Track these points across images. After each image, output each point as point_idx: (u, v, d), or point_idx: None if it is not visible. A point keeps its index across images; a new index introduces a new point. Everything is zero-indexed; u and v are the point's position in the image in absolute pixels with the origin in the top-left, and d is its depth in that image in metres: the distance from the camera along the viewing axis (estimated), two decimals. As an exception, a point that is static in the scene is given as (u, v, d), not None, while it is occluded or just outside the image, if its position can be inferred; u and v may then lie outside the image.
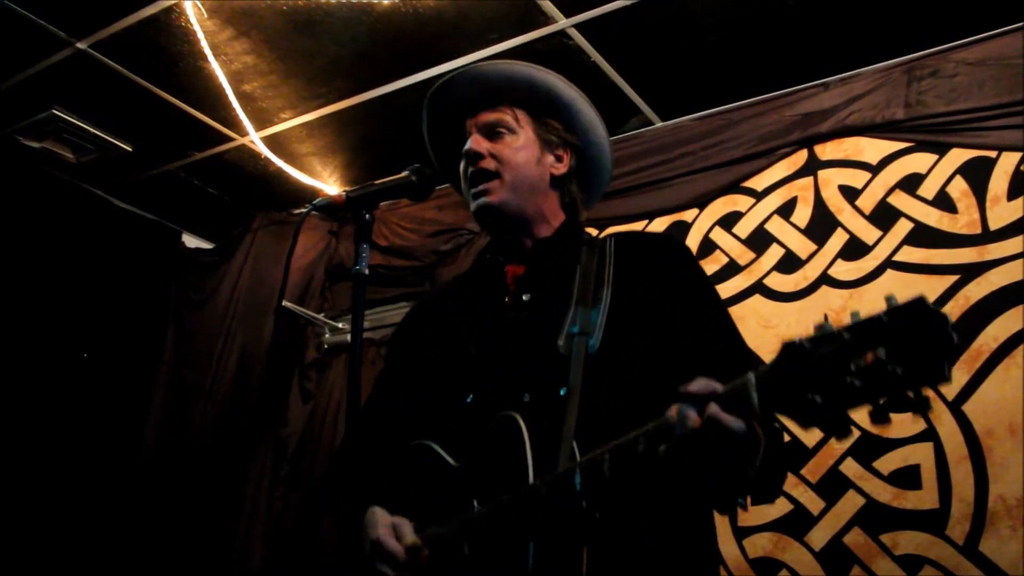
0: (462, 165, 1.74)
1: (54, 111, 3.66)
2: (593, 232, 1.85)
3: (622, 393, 1.50)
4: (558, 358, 1.51)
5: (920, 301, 0.99)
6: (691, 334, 1.54)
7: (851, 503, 2.62)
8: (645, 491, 1.38)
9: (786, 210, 3.08)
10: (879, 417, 1.01)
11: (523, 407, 1.48)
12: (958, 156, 2.79)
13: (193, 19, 3.10)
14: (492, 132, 1.72)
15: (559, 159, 1.77)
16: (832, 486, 2.66)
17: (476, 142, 1.70)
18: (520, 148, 1.71)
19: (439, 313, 1.80)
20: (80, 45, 3.27)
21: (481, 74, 1.77)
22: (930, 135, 2.84)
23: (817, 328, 1.07)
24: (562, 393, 1.47)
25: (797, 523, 2.69)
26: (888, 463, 2.60)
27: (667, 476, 1.28)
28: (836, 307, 2.84)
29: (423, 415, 1.68)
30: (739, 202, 3.20)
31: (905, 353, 0.97)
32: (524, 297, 1.66)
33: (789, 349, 1.09)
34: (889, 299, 1.01)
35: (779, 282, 2.99)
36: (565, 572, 1.31)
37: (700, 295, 1.63)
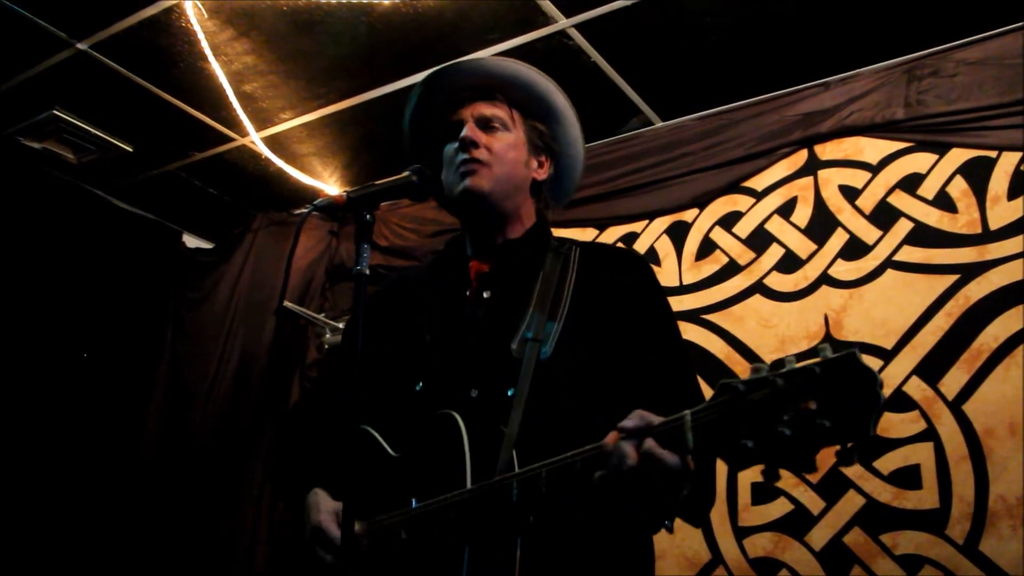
0: (451, 150, 1.75)
1: (55, 112, 3.66)
2: (561, 233, 1.88)
3: (567, 402, 1.53)
4: (509, 360, 1.54)
5: (852, 356, 1.01)
6: (641, 353, 1.59)
7: (851, 503, 2.62)
8: (579, 506, 1.42)
9: (786, 210, 3.08)
10: (805, 467, 1.04)
11: (470, 402, 1.52)
12: (958, 156, 2.79)
13: (193, 19, 3.10)
14: (488, 125, 1.74)
15: (540, 165, 1.81)
16: (832, 486, 2.66)
17: (473, 131, 1.71)
18: (512, 146, 1.74)
19: (400, 299, 1.82)
20: (81, 46, 3.28)
21: (484, 67, 1.81)
22: (930, 135, 2.84)
23: (754, 370, 1.10)
24: (510, 394, 1.50)
25: (797, 523, 2.69)
26: (888, 463, 2.60)
27: (600, 499, 1.31)
28: (836, 307, 2.84)
29: (372, 398, 1.70)
30: (739, 202, 3.20)
31: (834, 408, 1.00)
32: (485, 294, 1.68)
33: (725, 388, 1.12)
34: (822, 351, 1.03)
35: (779, 282, 2.99)
36: (499, 570, 1.33)
37: (656, 315, 1.67)
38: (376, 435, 1.65)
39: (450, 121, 1.77)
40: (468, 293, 1.71)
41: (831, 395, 1.00)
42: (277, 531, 3.81)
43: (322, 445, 1.77)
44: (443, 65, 1.82)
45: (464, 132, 1.71)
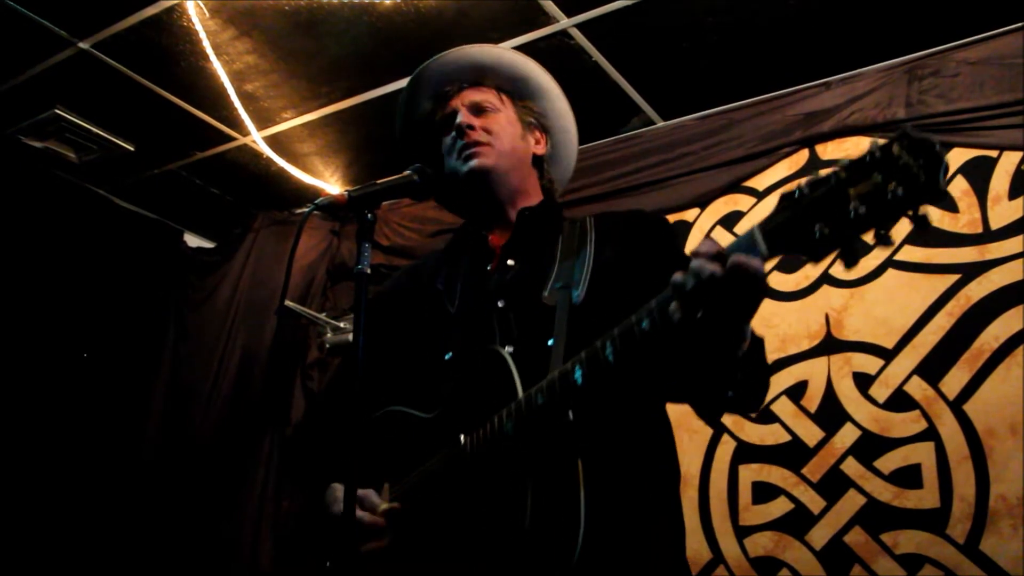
0: (448, 139, 1.78)
1: (56, 111, 3.66)
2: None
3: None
4: (543, 309, 1.55)
5: (903, 133, 1.03)
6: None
7: (852, 502, 2.62)
8: (640, 385, 1.42)
9: (787, 209, 3.07)
10: (883, 240, 1.04)
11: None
12: (959, 155, 2.79)
13: (195, 19, 3.10)
14: (479, 109, 1.78)
15: (537, 141, 1.86)
16: (833, 485, 2.66)
17: (467, 117, 1.75)
18: (507, 123, 1.79)
19: (419, 284, 1.82)
20: (82, 45, 3.28)
21: (464, 58, 1.84)
22: (931, 134, 2.83)
23: (810, 176, 1.10)
24: (549, 344, 1.50)
25: (798, 522, 2.69)
26: (889, 462, 2.60)
27: (669, 352, 1.29)
28: (837, 306, 2.84)
29: (394, 382, 1.71)
30: (740, 201, 3.20)
31: (900, 176, 1.01)
32: (509, 262, 1.70)
33: (787, 198, 1.12)
34: (874, 141, 1.05)
35: (780, 281, 2.99)
36: (563, 493, 1.31)
37: (676, 256, 1.66)
38: (404, 409, 1.65)
39: (442, 116, 1.80)
40: (491, 266, 1.72)
41: (894, 168, 1.01)
42: (279, 530, 3.82)
43: (333, 441, 1.75)
44: (422, 65, 1.85)
45: (459, 119, 1.74)
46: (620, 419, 1.48)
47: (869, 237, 1.05)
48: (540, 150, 1.85)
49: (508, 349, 1.53)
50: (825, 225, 1.06)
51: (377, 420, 1.69)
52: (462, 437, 1.46)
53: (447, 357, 1.62)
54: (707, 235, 3.22)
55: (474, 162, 1.71)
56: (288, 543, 3.76)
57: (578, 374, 1.31)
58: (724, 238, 3.15)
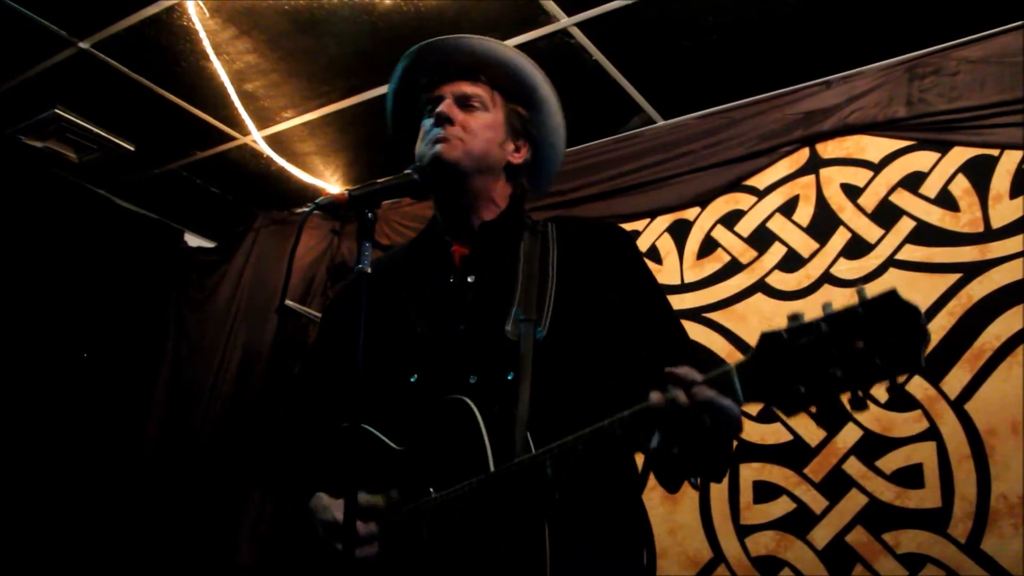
0: (427, 123, 1.75)
1: (56, 110, 3.66)
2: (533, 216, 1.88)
3: (570, 379, 1.54)
4: (506, 343, 1.55)
5: (893, 293, 1.03)
6: (634, 321, 1.59)
7: (854, 502, 2.62)
8: (600, 471, 1.44)
9: (788, 208, 3.07)
10: (858, 404, 1.06)
11: (470, 389, 1.52)
12: (960, 154, 2.79)
13: (195, 18, 3.10)
14: (466, 103, 1.74)
15: (518, 149, 1.79)
16: (835, 485, 2.66)
17: (449, 108, 1.71)
18: (488, 126, 1.73)
19: (382, 286, 1.79)
20: (82, 44, 3.28)
21: (469, 45, 1.79)
22: (932, 133, 2.84)
23: (792, 319, 1.11)
24: (509, 378, 1.51)
25: (800, 522, 2.69)
26: (891, 462, 2.60)
27: (652, 460, 1.33)
28: (838, 306, 2.83)
29: (362, 394, 1.70)
30: (741, 200, 3.20)
31: (883, 344, 1.02)
32: (469, 279, 1.68)
33: (768, 339, 1.12)
34: (860, 291, 1.05)
35: (781, 281, 2.99)
36: (529, 546, 1.35)
37: (640, 281, 1.67)
38: (375, 432, 1.64)
39: (431, 97, 1.77)
40: (452, 279, 1.70)
41: (877, 333, 1.02)
42: (278, 530, 3.81)
43: (312, 449, 1.75)
44: (429, 40, 1.81)
45: (440, 107, 1.71)
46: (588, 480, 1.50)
47: (845, 399, 1.06)
48: (517, 159, 1.78)
49: (472, 379, 1.54)
50: (803, 384, 1.08)
51: (345, 434, 1.68)
52: (432, 491, 1.48)
53: (412, 379, 1.62)
54: (707, 233, 3.22)
55: (439, 148, 1.66)
56: (273, 544, 3.75)
57: (548, 469, 1.34)
58: (725, 237, 3.16)
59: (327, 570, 1.54)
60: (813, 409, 1.09)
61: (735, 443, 1.28)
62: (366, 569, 1.50)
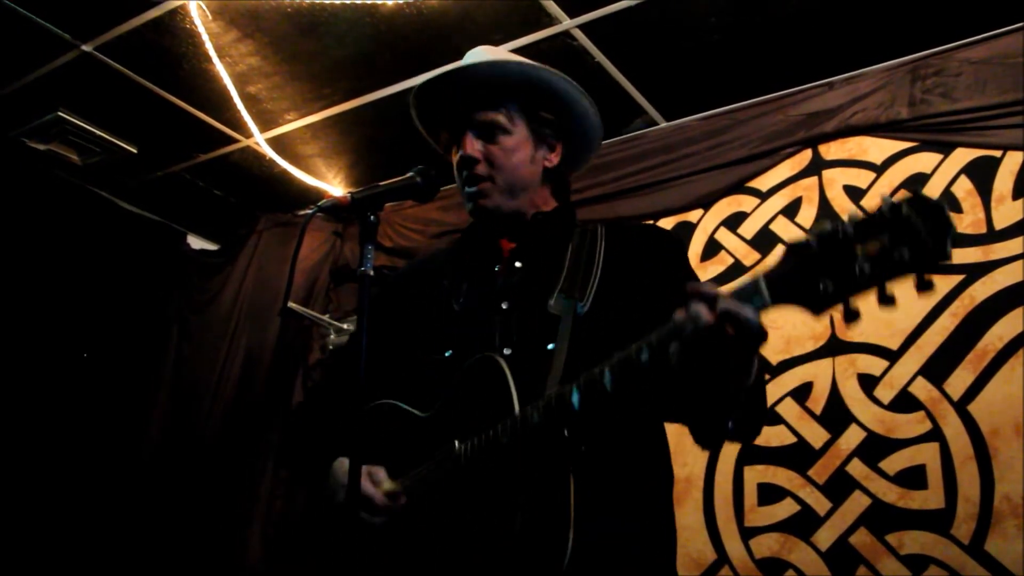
0: (455, 162, 1.73)
1: (59, 113, 3.67)
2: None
3: (607, 352, 1.51)
4: (547, 316, 1.56)
5: (917, 194, 1.04)
6: (675, 305, 1.58)
7: (857, 503, 2.62)
8: (637, 411, 1.44)
9: (791, 210, 3.07)
10: (886, 300, 1.06)
11: (505, 359, 1.51)
12: (963, 156, 2.78)
13: (198, 21, 3.10)
14: (486, 133, 1.71)
15: (552, 149, 1.78)
16: (838, 487, 2.66)
17: (470, 145, 1.69)
18: (514, 149, 1.71)
19: (426, 278, 1.81)
20: (85, 47, 3.28)
21: (473, 73, 1.74)
22: (934, 134, 2.84)
23: (817, 225, 1.11)
24: (550, 347, 1.51)
25: (803, 523, 2.69)
26: (894, 463, 2.59)
27: (670, 386, 1.31)
28: (841, 308, 2.83)
29: (392, 375, 1.70)
30: (744, 202, 3.20)
31: (908, 238, 1.02)
32: (516, 264, 1.70)
33: (794, 247, 1.13)
34: (885, 199, 1.05)
35: (784, 282, 2.98)
36: (554, 502, 1.34)
37: (681, 275, 1.67)
38: (400, 404, 1.65)
39: (453, 127, 1.74)
40: (499, 267, 1.71)
41: (903, 229, 1.02)
42: (282, 531, 3.82)
43: (338, 421, 1.76)
44: (429, 78, 1.76)
45: (462, 151, 1.69)
46: (615, 433, 1.50)
47: (871, 295, 1.06)
48: (553, 160, 1.77)
49: (506, 351, 1.55)
50: (830, 280, 1.08)
51: (371, 411, 1.69)
52: (456, 443, 1.47)
53: (447, 355, 1.63)
54: (711, 235, 3.22)
55: (476, 203, 1.69)
56: (282, 543, 3.76)
57: (575, 398, 1.33)
58: (729, 239, 3.16)
59: (344, 534, 1.53)
60: (839, 308, 1.09)
61: (765, 375, 1.26)
62: (386, 531, 1.51)
